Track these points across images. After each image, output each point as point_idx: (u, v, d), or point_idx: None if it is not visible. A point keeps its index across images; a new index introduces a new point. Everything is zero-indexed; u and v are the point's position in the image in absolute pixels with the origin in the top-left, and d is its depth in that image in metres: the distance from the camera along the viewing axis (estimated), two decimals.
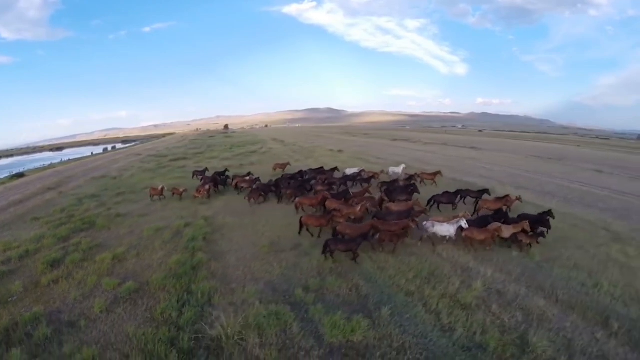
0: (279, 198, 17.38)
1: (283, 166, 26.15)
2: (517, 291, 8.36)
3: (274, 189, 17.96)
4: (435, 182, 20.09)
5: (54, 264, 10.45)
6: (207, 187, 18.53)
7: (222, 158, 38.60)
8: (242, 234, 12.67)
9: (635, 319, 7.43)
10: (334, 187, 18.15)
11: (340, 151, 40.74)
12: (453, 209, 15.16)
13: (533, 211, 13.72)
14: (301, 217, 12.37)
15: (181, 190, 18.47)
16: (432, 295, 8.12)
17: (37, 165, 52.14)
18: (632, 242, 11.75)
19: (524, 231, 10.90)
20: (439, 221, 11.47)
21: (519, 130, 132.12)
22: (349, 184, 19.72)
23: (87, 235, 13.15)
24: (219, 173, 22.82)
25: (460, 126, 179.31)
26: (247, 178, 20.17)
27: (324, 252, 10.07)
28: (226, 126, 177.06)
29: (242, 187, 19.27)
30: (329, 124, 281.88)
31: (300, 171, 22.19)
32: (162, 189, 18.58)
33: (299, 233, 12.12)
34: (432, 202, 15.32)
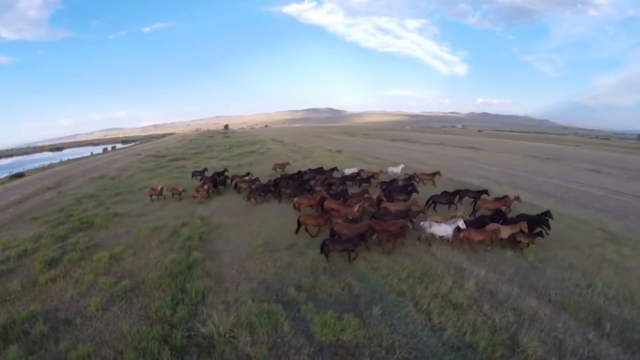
0: (279, 198, 17.50)
1: (282, 166, 26.30)
2: (510, 291, 8.37)
3: (273, 189, 18.05)
4: (434, 182, 20.17)
5: (52, 263, 10.60)
6: (206, 187, 18.66)
7: (221, 158, 38.74)
8: (237, 233, 12.80)
9: (628, 319, 7.41)
10: (333, 187, 18.21)
11: (338, 151, 40.84)
12: (454, 209, 15.19)
13: (529, 211, 13.77)
14: (299, 217, 12.48)
15: (180, 190, 18.59)
16: (424, 295, 8.16)
17: (37, 165, 52.30)
18: (628, 242, 11.72)
19: (521, 231, 10.90)
20: (436, 221, 11.49)
21: (519, 131, 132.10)
22: (348, 184, 19.80)
23: (84, 235, 13.30)
24: (218, 173, 22.94)
25: (460, 126, 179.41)
26: (247, 178, 20.28)
27: (321, 251, 10.15)
28: (226, 126, 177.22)
29: (242, 187, 19.37)
30: (329, 124, 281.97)
31: (299, 171, 22.30)
32: (162, 189, 18.71)
33: (297, 232, 12.22)
34: (430, 202, 15.36)
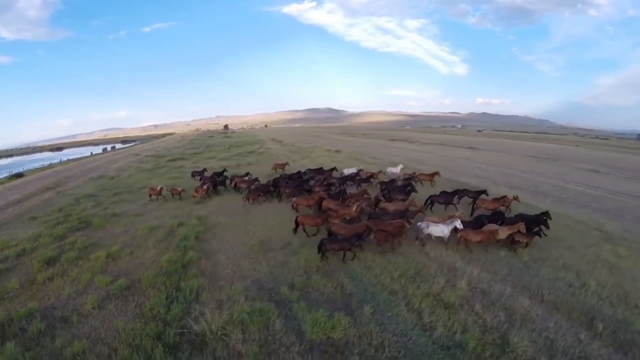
0: (280, 197, 17.59)
1: (282, 166, 26.43)
2: (502, 291, 8.38)
3: (272, 189, 18.15)
4: (432, 182, 20.24)
5: (50, 262, 10.75)
6: (205, 187, 18.79)
7: (220, 158, 38.91)
8: (233, 233, 12.93)
9: (621, 319, 7.38)
10: (333, 187, 18.24)
11: (337, 151, 40.95)
12: (453, 209, 15.23)
13: (526, 211, 13.81)
14: (297, 217, 12.56)
15: (179, 190, 18.71)
16: (416, 294, 8.21)
17: (37, 165, 52.50)
18: (624, 242, 11.70)
19: (519, 232, 10.89)
20: (433, 222, 11.52)
21: (519, 131, 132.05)
22: (348, 184, 19.85)
23: (82, 234, 13.44)
24: (217, 173, 23.09)
25: (459, 126, 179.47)
26: (246, 178, 20.39)
27: (319, 251, 10.20)
28: (226, 126, 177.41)
29: (241, 187, 19.48)
30: (329, 124, 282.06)
31: (299, 171, 22.43)
32: (161, 189, 18.84)
33: (294, 232, 12.31)
34: (429, 202, 15.42)
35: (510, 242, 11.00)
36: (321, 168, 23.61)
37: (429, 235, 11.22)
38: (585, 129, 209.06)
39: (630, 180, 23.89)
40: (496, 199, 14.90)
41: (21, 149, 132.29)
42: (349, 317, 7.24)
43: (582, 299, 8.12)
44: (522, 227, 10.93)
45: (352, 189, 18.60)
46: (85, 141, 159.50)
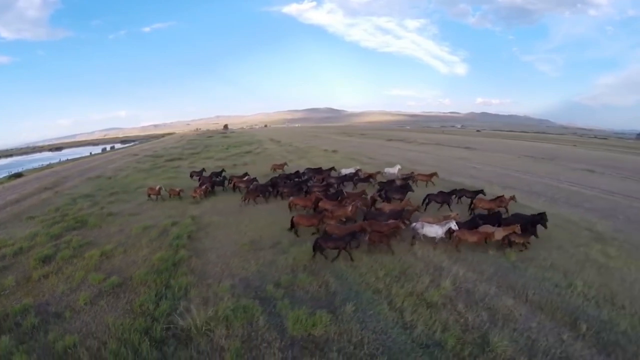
0: (281, 196, 17.70)
1: (281, 167, 26.56)
2: (487, 290, 8.38)
3: (271, 189, 18.34)
4: (432, 182, 20.42)
5: (46, 260, 11.06)
6: (204, 187, 19.02)
7: (217, 158, 39.18)
8: (225, 232, 13.20)
9: (606, 320, 7.32)
10: (331, 188, 18.27)
11: (334, 151, 41.19)
12: (449, 209, 15.27)
13: (519, 211, 13.82)
14: (293, 217, 12.76)
15: (178, 190, 18.90)
16: (399, 293, 8.29)
17: (36, 165, 52.90)
18: (614, 242, 11.65)
19: (514, 232, 10.86)
20: (428, 222, 11.54)
21: (518, 130, 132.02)
22: (347, 184, 19.99)
23: (78, 234, 13.73)
24: (216, 173, 23.37)
25: (459, 126, 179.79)
26: (245, 178, 20.56)
27: (314, 250, 10.30)
28: (225, 126, 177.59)
29: (240, 187, 19.66)
30: (328, 124, 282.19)
31: (297, 171, 22.66)
32: (160, 189, 19.07)
33: (289, 230, 12.50)
34: (426, 201, 15.58)
35: (507, 243, 10.93)
36: (320, 168, 23.85)
37: (424, 236, 11.25)
38: (585, 129, 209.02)
39: (626, 180, 23.82)
40: (493, 199, 14.95)
41: (21, 149, 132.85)
42: (331, 315, 7.37)
43: (568, 299, 8.09)
44: (517, 228, 10.89)
45: (350, 189, 18.68)
46: (85, 141, 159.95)
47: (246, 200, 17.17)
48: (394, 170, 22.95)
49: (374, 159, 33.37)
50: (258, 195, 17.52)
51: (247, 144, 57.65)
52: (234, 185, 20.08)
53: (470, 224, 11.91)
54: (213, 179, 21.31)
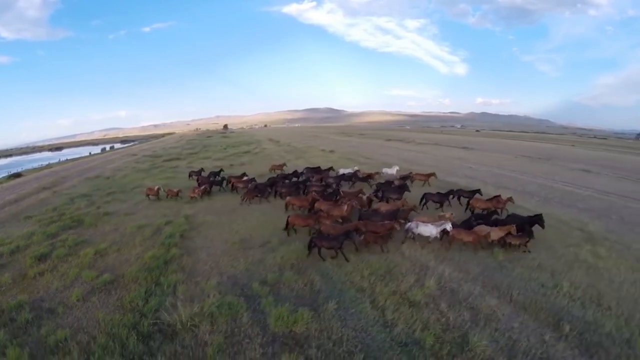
0: (280, 196, 17.85)
1: (280, 167, 26.68)
2: (471, 290, 8.46)
3: (270, 189, 18.54)
4: (429, 183, 20.67)
5: (41, 258, 11.35)
6: (202, 187, 19.22)
7: (215, 158, 39.45)
8: (217, 231, 13.46)
9: (590, 321, 7.30)
10: (329, 188, 18.26)
11: (331, 151, 41.40)
12: (446, 208, 15.46)
13: (512, 211, 14.00)
14: (288, 217, 12.94)
15: (176, 191, 19.06)
16: (383, 292, 8.40)
17: (35, 165, 53.25)
18: (605, 242, 11.65)
19: (510, 233, 10.89)
20: (423, 222, 11.62)
21: (518, 130, 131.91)
22: (347, 184, 20.19)
23: (74, 233, 14.01)
24: (214, 173, 23.61)
25: (458, 126, 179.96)
26: (244, 179, 20.71)
27: (309, 249, 10.46)
28: (225, 126, 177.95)
29: (238, 187, 19.80)
30: (328, 124, 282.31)
31: (295, 171, 22.88)
32: (159, 189, 19.28)
33: (285, 229, 12.68)
34: (424, 201, 15.72)
35: (503, 245, 10.95)
36: (319, 167, 24.10)
37: (419, 235, 11.33)
38: (584, 129, 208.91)
39: (622, 180, 23.82)
40: (490, 199, 15.06)
41: (20, 148, 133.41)
42: (313, 312, 7.55)
43: (553, 300, 8.10)
44: (513, 228, 10.91)
45: (348, 189, 18.78)
46: (85, 141, 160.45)
47: (245, 200, 17.31)
48: (392, 171, 23.19)
49: (371, 159, 33.58)
50: (257, 195, 17.65)
51: (246, 144, 57.89)
52: (232, 185, 20.24)
53: (466, 224, 11.97)
54: (211, 179, 21.52)
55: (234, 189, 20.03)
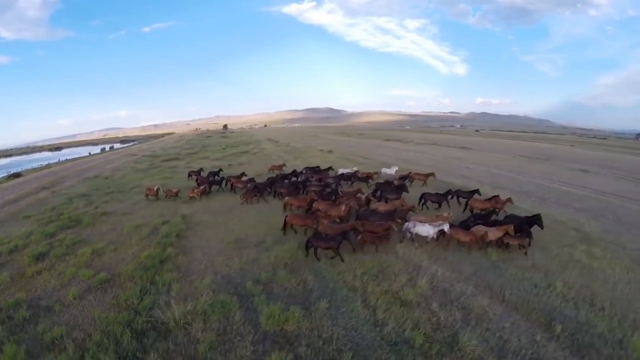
0: (279, 196, 17.89)
1: (279, 167, 26.77)
2: (463, 290, 8.47)
3: (269, 189, 18.63)
4: (426, 183, 20.78)
5: (39, 257, 11.51)
6: (202, 188, 19.34)
7: (214, 158, 39.61)
8: (213, 231, 13.61)
9: (583, 322, 7.26)
10: (328, 187, 18.33)
11: (330, 151, 41.52)
12: (444, 208, 15.55)
13: (508, 211, 14.06)
14: (286, 216, 13.04)
15: (175, 191, 19.13)
16: (375, 291, 8.44)
17: (35, 165, 53.42)
18: (600, 242, 11.62)
19: (508, 233, 10.86)
20: (420, 221, 11.66)
21: (518, 130, 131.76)
22: (346, 184, 20.29)
23: (72, 232, 14.17)
24: (214, 173, 23.74)
25: (458, 126, 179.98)
26: (244, 179, 20.83)
27: (306, 249, 10.51)
28: (225, 126, 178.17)
29: (238, 187, 19.90)
30: (328, 124, 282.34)
31: (294, 171, 23.00)
32: (158, 189, 19.39)
33: (282, 229, 12.79)
34: (422, 201, 15.79)
35: (500, 245, 10.94)
36: (318, 167, 24.20)
37: (417, 235, 11.35)
38: (584, 129, 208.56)
39: (620, 180, 23.72)
40: (488, 199, 15.08)
41: (20, 148, 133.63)
42: (304, 311, 7.63)
43: (545, 300, 8.06)
44: (510, 229, 10.87)
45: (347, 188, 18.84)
46: (85, 141, 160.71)
47: (245, 200, 17.40)
48: (391, 171, 23.30)
49: (369, 159, 33.68)
50: (256, 195, 17.73)
51: (245, 144, 58.05)
52: (232, 185, 20.34)
53: (464, 225, 12.02)
54: (211, 179, 21.64)
55: (233, 189, 20.15)
